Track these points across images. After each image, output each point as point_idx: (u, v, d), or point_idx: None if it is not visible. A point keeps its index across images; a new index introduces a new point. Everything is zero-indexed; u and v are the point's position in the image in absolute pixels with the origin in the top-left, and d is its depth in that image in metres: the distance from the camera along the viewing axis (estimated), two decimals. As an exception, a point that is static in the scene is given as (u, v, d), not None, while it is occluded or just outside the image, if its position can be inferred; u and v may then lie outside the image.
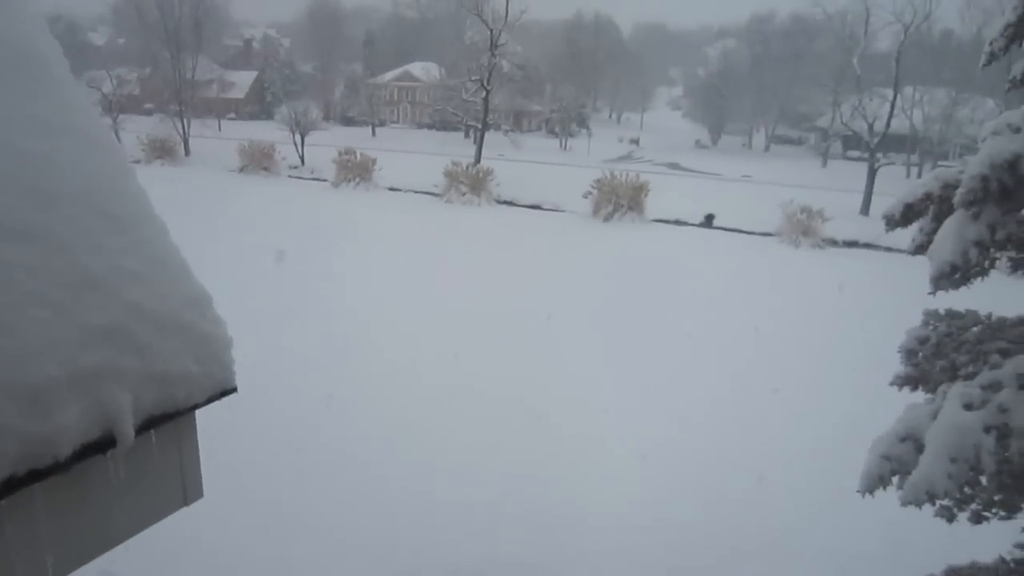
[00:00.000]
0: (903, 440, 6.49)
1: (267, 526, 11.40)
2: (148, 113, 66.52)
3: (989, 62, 7.04)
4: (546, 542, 11.34)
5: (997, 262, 6.89)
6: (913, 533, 9.62)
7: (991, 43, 6.94)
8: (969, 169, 6.06)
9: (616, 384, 17.61)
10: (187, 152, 57.55)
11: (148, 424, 2.29)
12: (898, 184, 28.26)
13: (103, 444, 2.14)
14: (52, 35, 2.78)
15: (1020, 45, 6.64)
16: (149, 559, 8.17)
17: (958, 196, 6.09)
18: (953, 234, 6.30)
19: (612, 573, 10.83)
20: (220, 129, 71.27)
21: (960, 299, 7.07)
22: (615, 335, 21.08)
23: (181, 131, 58.08)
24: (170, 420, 2.39)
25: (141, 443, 2.27)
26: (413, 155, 57.98)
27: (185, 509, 2.61)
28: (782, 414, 16.20)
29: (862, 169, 45.16)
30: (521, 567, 10.76)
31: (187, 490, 2.60)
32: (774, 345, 20.71)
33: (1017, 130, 5.98)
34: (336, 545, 11.06)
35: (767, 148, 77.51)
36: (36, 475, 1.97)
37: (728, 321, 22.73)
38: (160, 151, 54.17)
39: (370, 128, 77.98)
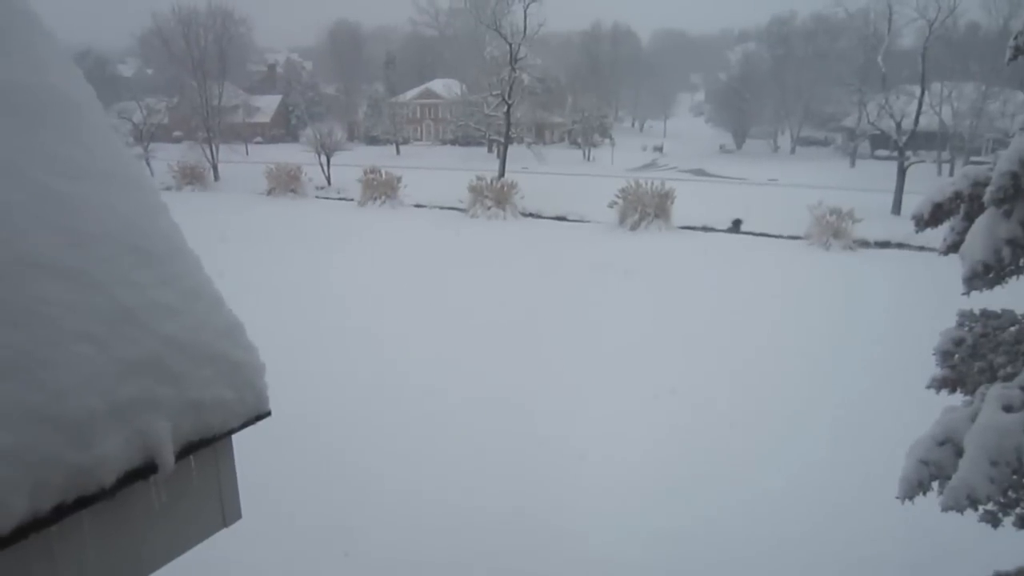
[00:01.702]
0: (941, 444, 6.37)
1: (288, 538, 11.51)
2: (177, 141, 68.03)
3: (1015, 56, 6.91)
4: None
5: (1032, 259, 6.75)
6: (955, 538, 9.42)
7: (1016, 37, 6.82)
8: (998, 166, 5.97)
9: (646, 394, 17.52)
10: (216, 177, 58.68)
11: (187, 450, 2.37)
12: (929, 182, 27.86)
13: (145, 471, 2.23)
14: (83, 74, 2.90)
15: (1046, 38, 6.52)
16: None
17: (988, 194, 5.99)
18: (984, 233, 6.20)
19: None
20: (247, 153, 72.55)
21: (995, 299, 6.93)
22: (656, 346, 20.96)
23: (210, 157, 59.26)
24: (207, 445, 2.47)
25: (181, 468, 2.35)
26: (437, 171, 58.42)
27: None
28: (825, 417, 15.98)
29: (892, 168, 44.48)
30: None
31: (226, 512, 2.67)
32: (809, 349, 20.43)
33: (1046, 125, 5.88)
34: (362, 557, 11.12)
35: (793, 150, 76.76)
36: (83, 502, 2.06)
37: (762, 325, 22.49)
38: (190, 177, 55.30)
39: (394, 146, 78.83)
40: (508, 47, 51.45)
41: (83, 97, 2.77)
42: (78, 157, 2.57)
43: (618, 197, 39.47)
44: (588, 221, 41.45)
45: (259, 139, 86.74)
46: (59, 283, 2.22)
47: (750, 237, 37.74)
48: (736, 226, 39.56)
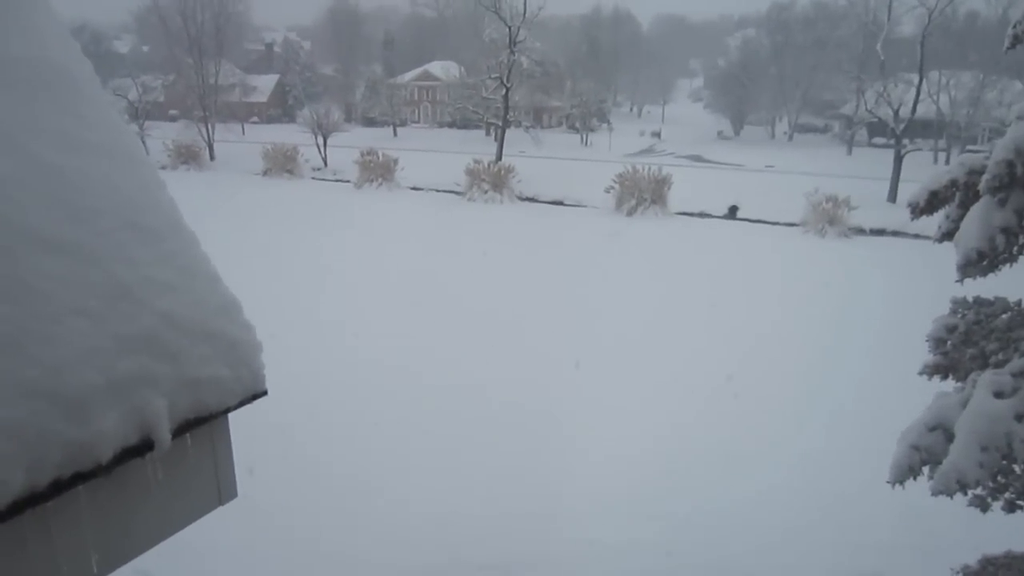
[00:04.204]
0: (932, 429, 6.42)
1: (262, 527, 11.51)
2: (173, 119, 67.41)
3: (1013, 45, 6.90)
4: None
5: (1026, 248, 6.77)
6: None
7: (1014, 26, 6.81)
8: (994, 155, 5.98)
9: (638, 387, 17.59)
10: (212, 157, 58.29)
11: (183, 428, 2.38)
12: (926, 170, 27.79)
13: (141, 448, 2.23)
14: (81, 50, 2.87)
15: (1045, 27, 6.51)
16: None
17: (983, 182, 6.00)
18: (979, 221, 6.21)
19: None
20: (243, 133, 72.03)
21: (988, 286, 6.97)
22: (652, 333, 21.01)
23: (205, 136, 58.82)
24: (204, 423, 2.47)
25: (177, 446, 2.35)
26: (434, 154, 58.18)
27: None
28: (811, 403, 16.09)
29: (888, 156, 44.48)
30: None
31: (221, 490, 2.68)
32: (805, 336, 20.51)
33: (1042, 114, 5.88)
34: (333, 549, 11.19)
35: (791, 137, 76.58)
36: (80, 478, 2.06)
37: (756, 312, 22.56)
38: (186, 156, 54.95)
39: (391, 128, 78.36)
40: (507, 30, 51.07)
41: (81, 71, 2.74)
42: (77, 130, 2.55)
43: (615, 182, 39.40)
44: (585, 206, 41.39)
45: (255, 119, 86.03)
46: (56, 258, 2.21)
47: (746, 223, 37.77)
48: (732, 212, 39.56)
